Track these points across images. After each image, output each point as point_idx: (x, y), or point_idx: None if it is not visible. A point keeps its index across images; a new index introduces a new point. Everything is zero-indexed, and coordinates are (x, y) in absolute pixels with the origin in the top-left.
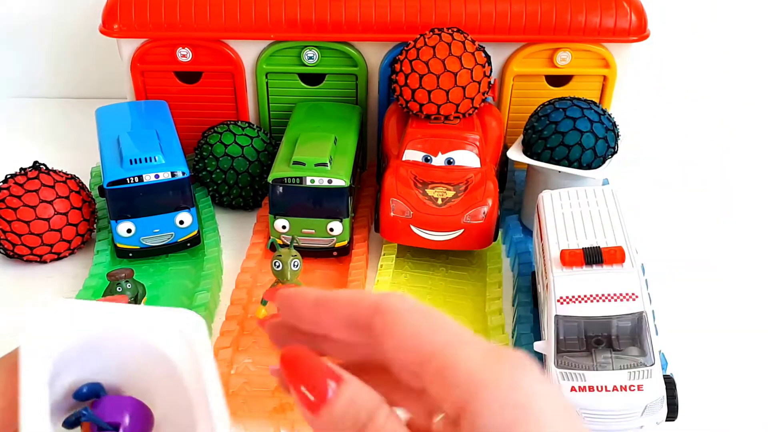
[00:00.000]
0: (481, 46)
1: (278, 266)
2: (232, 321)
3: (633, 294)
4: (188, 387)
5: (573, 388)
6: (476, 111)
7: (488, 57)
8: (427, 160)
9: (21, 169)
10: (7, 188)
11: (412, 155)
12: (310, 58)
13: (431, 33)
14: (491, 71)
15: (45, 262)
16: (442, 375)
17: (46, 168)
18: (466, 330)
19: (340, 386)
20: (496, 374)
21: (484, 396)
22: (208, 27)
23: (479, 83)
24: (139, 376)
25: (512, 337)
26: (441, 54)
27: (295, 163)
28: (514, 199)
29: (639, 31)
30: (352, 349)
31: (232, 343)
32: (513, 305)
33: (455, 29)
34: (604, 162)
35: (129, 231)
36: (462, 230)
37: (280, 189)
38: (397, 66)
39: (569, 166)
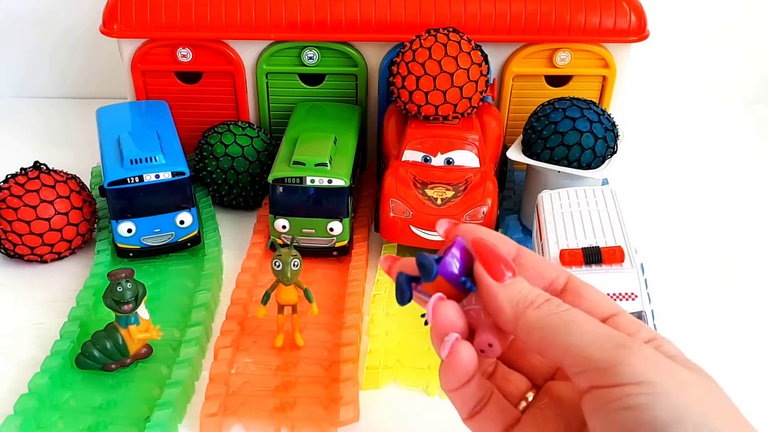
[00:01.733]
0: (478, 45)
1: (278, 266)
2: (232, 321)
3: (632, 294)
4: None
5: None
6: (475, 111)
7: (485, 56)
8: (426, 160)
9: (21, 169)
10: (8, 188)
11: (412, 155)
12: (310, 58)
13: (427, 34)
14: (489, 70)
15: (46, 261)
16: (633, 319)
17: (47, 168)
18: None
19: (516, 275)
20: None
21: (663, 339)
22: (209, 27)
23: (476, 83)
24: None
25: None
26: (437, 55)
27: (296, 163)
28: (514, 199)
29: (638, 32)
30: None
31: (233, 343)
32: None
33: (451, 29)
34: (603, 162)
35: (129, 231)
36: None
37: (281, 189)
38: (394, 68)
39: (569, 166)
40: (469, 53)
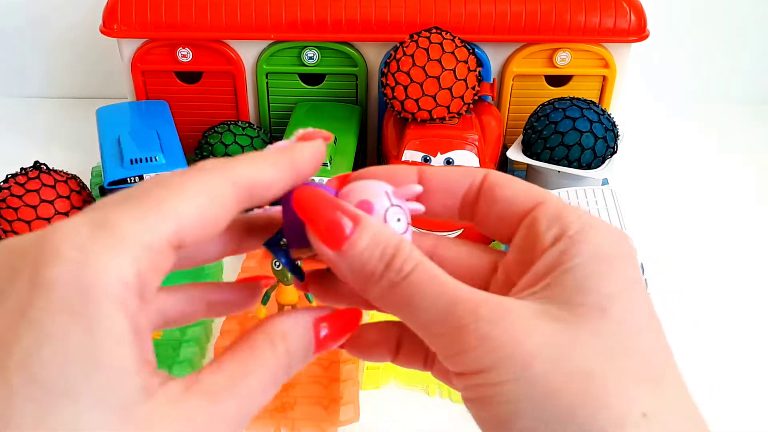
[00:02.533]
0: (463, 42)
1: (278, 266)
2: (232, 321)
3: None
4: None
5: None
6: (475, 108)
7: (471, 50)
8: (426, 160)
9: (22, 169)
10: (8, 188)
11: (411, 156)
12: (310, 58)
13: (409, 39)
14: (478, 63)
15: None
16: (551, 212)
17: (47, 168)
18: None
19: (359, 223)
20: (601, 223)
21: (590, 231)
22: (209, 27)
23: (465, 80)
24: None
25: None
26: (420, 61)
27: None
28: None
29: (638, 32)
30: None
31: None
32: None
33: (434, 29)
34: (603, 162)
35: None
36: (461, 230)
37: None
38: (383, 79)
39: (569, 166)
40: (452, 52)
